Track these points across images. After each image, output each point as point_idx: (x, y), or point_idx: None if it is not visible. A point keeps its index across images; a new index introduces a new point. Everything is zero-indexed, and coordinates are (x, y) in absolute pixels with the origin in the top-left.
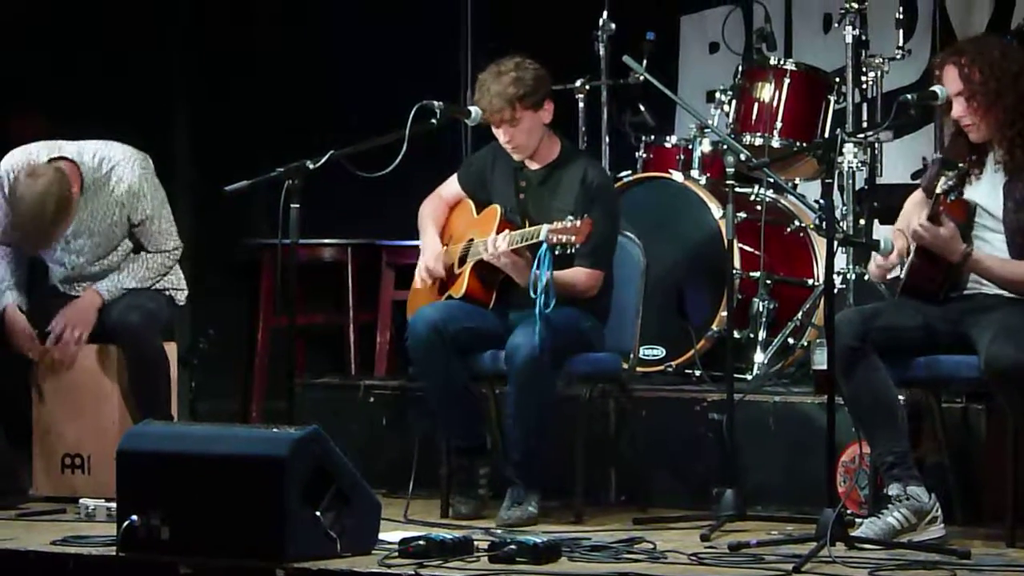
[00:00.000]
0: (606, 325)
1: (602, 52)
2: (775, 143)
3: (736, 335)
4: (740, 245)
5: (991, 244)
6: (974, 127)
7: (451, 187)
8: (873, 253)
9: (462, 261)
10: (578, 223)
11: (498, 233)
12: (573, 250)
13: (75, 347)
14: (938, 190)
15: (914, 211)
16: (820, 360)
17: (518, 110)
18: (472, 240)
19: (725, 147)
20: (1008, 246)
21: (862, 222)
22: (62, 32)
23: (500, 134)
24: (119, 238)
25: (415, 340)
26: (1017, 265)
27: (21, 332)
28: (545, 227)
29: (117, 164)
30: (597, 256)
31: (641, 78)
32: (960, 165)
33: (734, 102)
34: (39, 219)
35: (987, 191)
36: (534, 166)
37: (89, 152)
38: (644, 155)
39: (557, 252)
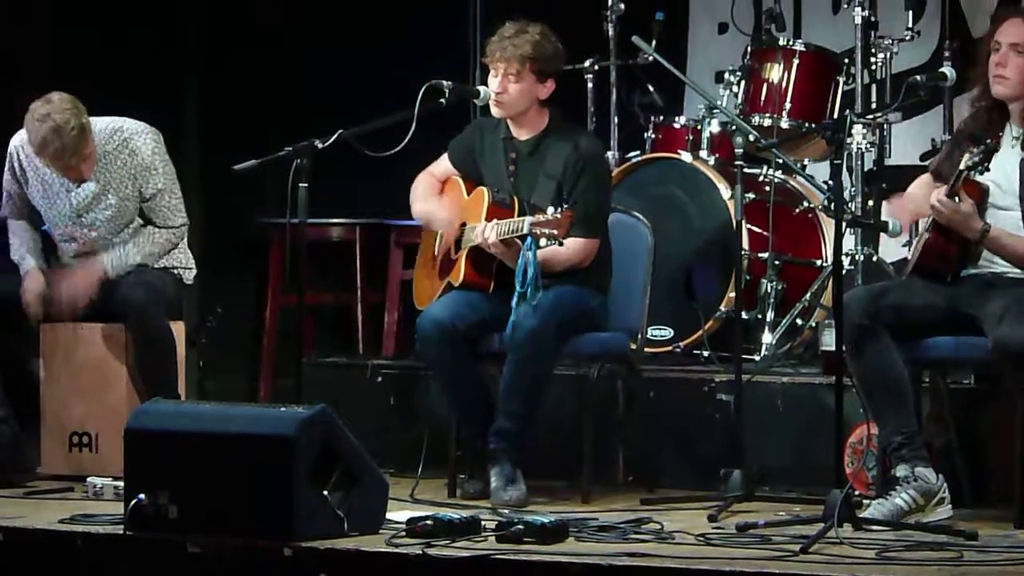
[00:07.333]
0: (609, 299)
1: (611, 32)
2: (784, 124)
3: (744, 316)
4: (748, 226)
5: (1004, 224)
6: (1008, 81)
7: (442, 165)
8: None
9: (458, 246)
10: (559, 215)
11: (487, 219)
12: (556, 243)
13: (70, 313)
14: (962, 165)
15: (921, 193)
16: (828, 341)
17: (525, 70)
18: (465, 225)
19: (734, 128)
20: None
21: (870, 203)
22: (68, 8)
23: (493, 83)
24: (131, 213)
25: (424, 341)
26: None
27: (38, 293)
28: (528, 220)
29: (130, 137)
30: (589, 225)
31: (650, 58)
32: (988, 141)
33: (743, 83)
34: (62, 126)
35: (1003, 166)
36: (523, 136)
37: (101, 125)
38: (653, 135)
39: (542, 244)
